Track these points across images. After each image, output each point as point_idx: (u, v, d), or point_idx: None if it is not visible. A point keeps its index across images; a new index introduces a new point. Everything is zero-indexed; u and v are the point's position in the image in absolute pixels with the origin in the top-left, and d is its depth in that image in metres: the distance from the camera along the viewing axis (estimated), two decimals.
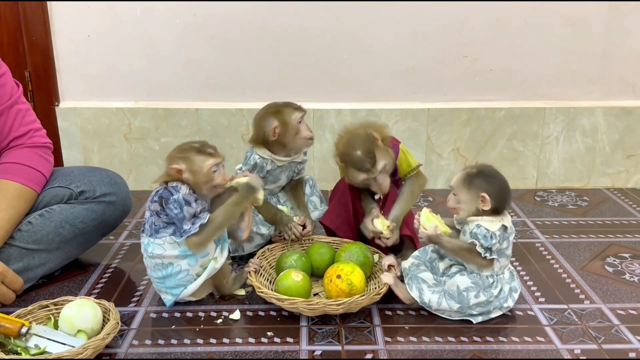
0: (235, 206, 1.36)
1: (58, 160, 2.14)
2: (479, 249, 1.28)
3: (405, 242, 1.58)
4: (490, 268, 1.31)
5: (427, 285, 1.33)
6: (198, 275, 1.37)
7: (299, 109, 1.57)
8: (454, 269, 1.35)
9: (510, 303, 1.34)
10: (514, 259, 1.62)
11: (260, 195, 1.41)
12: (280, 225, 1.60)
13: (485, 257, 1.29)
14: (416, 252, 1.42)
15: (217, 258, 1.37)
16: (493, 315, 1.34)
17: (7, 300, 1.38)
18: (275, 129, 1.54)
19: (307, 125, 1.58)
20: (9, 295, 1.38)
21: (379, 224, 1.51)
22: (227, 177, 1.38)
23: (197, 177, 1.33)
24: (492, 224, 1.29)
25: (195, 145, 1.35)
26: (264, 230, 1.61)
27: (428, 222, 1.33)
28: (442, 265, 1.38)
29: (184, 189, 1.31)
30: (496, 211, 1.30)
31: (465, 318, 1.33)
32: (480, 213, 1.30)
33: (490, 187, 1.28)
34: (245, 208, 1.39)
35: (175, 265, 1.34)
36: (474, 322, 1.32)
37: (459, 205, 1.32)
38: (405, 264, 1.40)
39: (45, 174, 1.52)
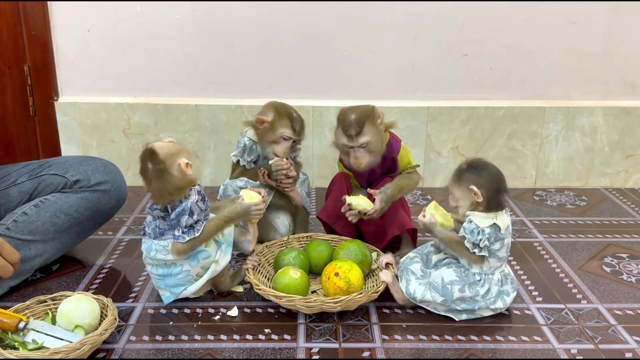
0: (227, 222, 1.36)
1: (57, 155, 2.15)
2: (467, 243, 1.28)
3: (404, 239, 1.59)
4: (480, 265, 1.31)
5: (414, 277, 1.34)
6: (199, 276, 1.36)
7: (295, 131, 1.56)
8: (445, 262, 1.35)
9: (500, 305, 1.33)
10: (512, 258, 1.62)
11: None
12: (269, 177, 1.59)
13: (474, 252, 1.29)
14: (419, 248, 1.43)
15: (219, 261, 1.37)
16: (481, 314, 1.33)
17: (6, 273, 1.36)
18: (264, 122, 1.56)
19: (287, 149, 1.57)
20: (7, 268, 1.36)
21: (353, 200, 1.50)
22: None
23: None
24: (483, 220, 1.29)
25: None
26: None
27: (429, 211, 1.34)
28: (435, 258, 1.37)
29: (194, 196, 1.31)
30: (491, 206, 1.29)
31: (449, 315, 1.33)
32: (476, 208, 1.30)
33: (479, 179, 1.28)
34: (233, 224, 1.39)
35: (177, 265, 1.34)
36: (457, 319, 1.32)
37: (457, 202, 1.33)
38: (403, 258, 1.41)
39: None
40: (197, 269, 1.36)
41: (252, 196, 1.41)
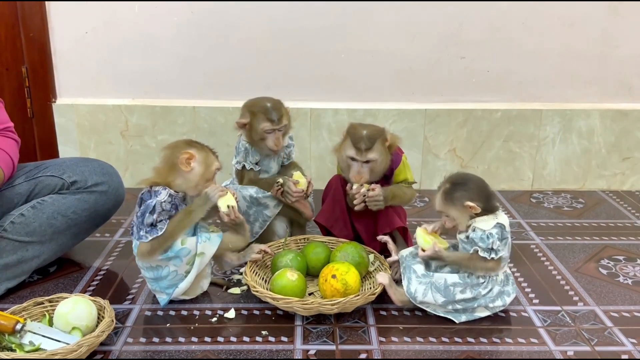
0: (187, 214, 1.34)
1: (54, 156, 2.15)
2: (482, 253, 1.29)
3: (397, 240, 1.59)
4: (497, 270, 1.32)
5: (415, 276, 1.34)
6: (187, 273, 1.37)
7: (274, 122, 1.55)
8: (446, 269, 1.36)
9: (498, 303, 1.34)
10: (508, 260, 1.62)
11: (223, 203, 1.37)
12: (282, 194, 1.59)
13: (492, 258, 1.29)
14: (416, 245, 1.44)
15: (205, 252, 1.36)
16: (478, 314, 1.34)
17: None
18: (244, 125, 1.59)
19: (277, 140, 1.57)
20: None
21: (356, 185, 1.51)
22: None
23: (205, 172, 1.35)
24: (486, 223, 1.31)
25: (206, 145, 1.39)
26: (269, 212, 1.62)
27: (426, 243, 1.35)
28: (434, 263, 1.38)
29: (163, 195, 1.31)
30: (488, 211, 1.32)
31: (449, 316, 1.33)
32: (474, 216, 1.32)
33: (470, 193, 1.31)
34: (198, 218, 1.35)
35: (164, 268, 1.35)
36: (457, 321, 1.32)
37: (454, 222, 1.34)
38: (404, 252, 1.41)
39: (9, 154, 1.48)
40: (184, 267, 1.36)
41: (227, 198, 1.39)
